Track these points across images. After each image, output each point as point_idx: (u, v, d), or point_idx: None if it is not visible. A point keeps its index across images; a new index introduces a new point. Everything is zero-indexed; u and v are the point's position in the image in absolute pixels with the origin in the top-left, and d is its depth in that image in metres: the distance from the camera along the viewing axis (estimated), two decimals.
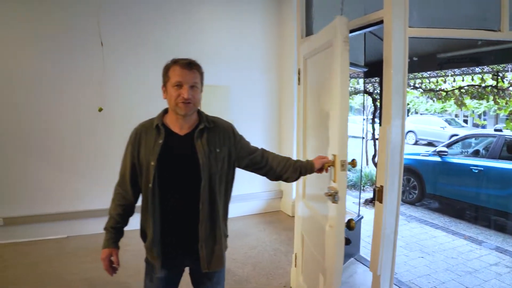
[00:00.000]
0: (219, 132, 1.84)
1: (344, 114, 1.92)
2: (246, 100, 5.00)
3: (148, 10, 4.52)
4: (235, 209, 4.91)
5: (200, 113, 1.86)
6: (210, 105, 4.68)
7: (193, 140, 1.76)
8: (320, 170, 2.02)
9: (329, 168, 2.01)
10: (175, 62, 1.75)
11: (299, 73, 2.85)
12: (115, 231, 1.88)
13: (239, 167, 1.95)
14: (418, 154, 6.84)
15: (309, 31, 2.97)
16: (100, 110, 3.58)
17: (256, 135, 5.05)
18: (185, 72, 1.71)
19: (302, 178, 2.74)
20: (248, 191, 5.05)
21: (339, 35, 1.89)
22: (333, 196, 1.93)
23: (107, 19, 4.19)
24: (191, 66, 1.73)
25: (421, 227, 5.42)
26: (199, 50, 4.63)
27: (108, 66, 3.96)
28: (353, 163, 2.13)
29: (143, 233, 1.88)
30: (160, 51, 4.50)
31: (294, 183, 4.74)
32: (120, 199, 1.87)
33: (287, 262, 3.78)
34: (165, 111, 1.86)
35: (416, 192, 6.67)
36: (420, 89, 7.62)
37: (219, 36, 4.83)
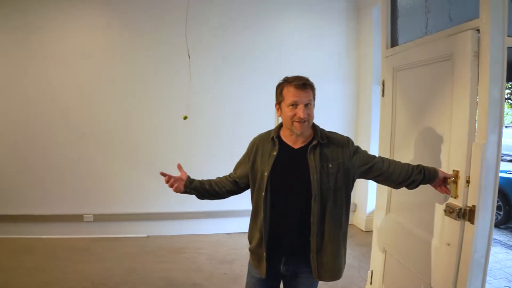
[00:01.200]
0: (332, 147, 1.83)
1: (471, 129, 1.90)
2: (321, 109, 4.94)
3: (233, 24, 4.72)
4: None
5: (315, 127, 1.89)
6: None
7: (305, 154, 1.80)
8: (439, 182, 1.92)
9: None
10: (289, 82, 1.80)
11: (383, 85, 2.79)
12: (197, 180, 2.01)
13: (359, 177, 1.91)
14: (505, 172, 6.32)
15: (394, 42, 2.90)
16: (185, 118, 3.77)
17: None
18: (300, 92, 1.75)
19: (386, 191, 2.68)
20: None
21: (469, 49, 1.87)
22: (456, 213, 1.90)
23: (194, 32, 4.42)
24: (305, 86, 1.77)
25: (507, 253, 4.98)
26: (277, 59, 4.78)
27: (194, 77, 4.16)
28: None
29: (250, 236, 1.96)
30: (243, 62, 4.72)
31: (369, 198, 4.70)
32: (223, 178, 2.04)
33: (360, 278, 3.68)
34: (282, 124, 1.92)
35: (502, 213, 6.14)
36: (509, 100, 7.05)
37: (298, 45, 4.87)
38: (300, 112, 1.74)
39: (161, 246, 4.42)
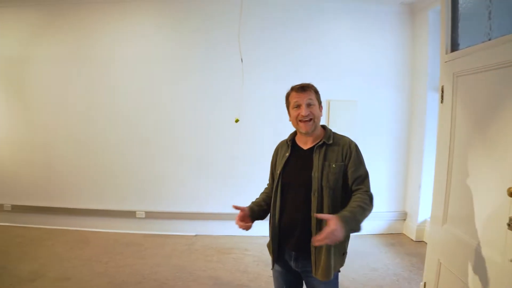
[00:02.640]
0: (337, 149, 1.92)
1: None
2: (373, 115, 4.87)
3: (286, 29, 4.74)
4: None
5: (326, 130, 2.03)
6: (337, 119, 4.72)
7: (311, 154, 1.93)
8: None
9: None
10: (292, 88, 2.01)
11: (442, 91, 2.69)
12: (254, 203, 2.14)
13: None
14: None
15: (454, 47, 2.78)
16: (237, 121, 3.83)
17: (382, 152, 4.92)
18: (300, 94, 1.95)
19: (443, 201, 2.58)
20: None
21: None
22: None
23: (247, 36, 4.51)
24: (304, 89, 1.95)
25: None
26: (330, 64, 4.76)
27: (246, 82, 4.23)
28: None
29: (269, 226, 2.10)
30: (295, 67, 4.72)
31: (421, 206, 4.54)
32: (265, 190, 2.24)
33: None
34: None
35: None
36: None
37: (349, 50, 4.80)
38: (302, 110, 1.92)
39: (209, 245, 4.52)
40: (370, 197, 1.85)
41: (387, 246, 4.56)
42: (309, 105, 1.92)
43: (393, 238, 4.86)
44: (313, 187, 1.86)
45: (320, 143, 1.94)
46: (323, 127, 2.06)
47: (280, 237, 2.00)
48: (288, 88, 2.03)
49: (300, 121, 1.94)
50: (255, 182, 4.67)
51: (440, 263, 2.63)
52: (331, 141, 1.93)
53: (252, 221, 2.04)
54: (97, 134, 4.92)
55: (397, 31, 4.85)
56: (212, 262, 4.05)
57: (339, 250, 1.94)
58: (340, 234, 1.61)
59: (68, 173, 5.06)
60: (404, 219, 5.02)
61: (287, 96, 2.04)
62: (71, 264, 3.95)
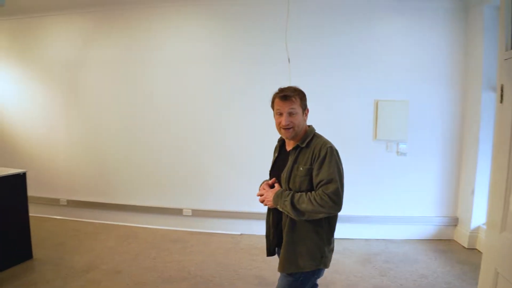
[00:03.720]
0: (308, 152, 1.98)
1: None
2: (424, 116, 4.68)
3: (333, 28, 4.66)
4: (400, 231, 4.74)
5: (306, 132, 2.07)
6: (388, 120, 4.61)
7: (288, 156, 2.07)
8: None
9: None
10: (277, 93, 2.05)
11: (501, 90, 2.54)
12: None
13: None
14: None
15: None
16: None
17: (433, 154, 4.72)
18: (282, 103, 1.99)
19: (501, 207, 2.46)
20: (417, 213, 4.72)
21: None
22: None
23: (294, 36, 4.50)
24: (286, 97, 1.98)
25: None
26: (379, 63, 4.64)
27: (294, 82, 4.23)
28: None
29: None
30: (343, 66, 4.65)
31: (474, 212, 4.33)
32: None
33: None
34: None
35: None
36: None
37: (398, 48, 4.65)
38: (283, 120, 1.98)
39: (254, 245, 4.55)
40: (323, 198, 1.84)
41: (436, 252, 4.38)
42: (291, 114, 1.98)
43: (443, 244, 4.65)
44: (282, 186, 2.03)
45: (294, 146, 2.03)
46: (309, 127, 2.11)
47: (269, 231, 2.18)
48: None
49: (281, 128, 2.02)
50: None
51: (498, 273, 2.49)
52: (304, 145, 2.00)
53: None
54: (146, 133, 5.11)
55: (450, 28, 4.64)
56: (257, 261, 4.08)
57: (312, 250, 1.97)
58: (269, 200, 2.01)
59: (120, 171, 5.30)
60: (455, 225, 4.79)
61: (272, 100, 2.08)
62: (122, 258, 4.12)
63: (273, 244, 2.16)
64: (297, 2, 4.51)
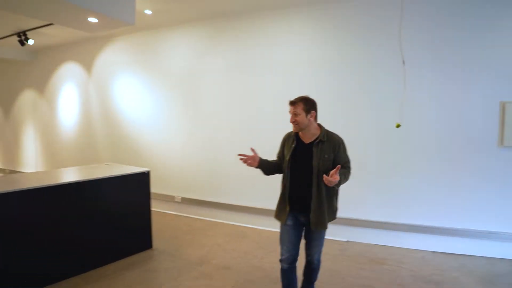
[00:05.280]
0: (330, 144, 2.72)
1: None
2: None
3: (449, 29, 4.29)
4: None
5: (321, 129, 2.79)
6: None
7: (312, 147, 2.72)
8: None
9: None
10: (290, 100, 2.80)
11: None
12: (264, 159, 2.90)
13: None
14: None
15: None
16: (398, 126, 3.62)
17: None
18: (290, 106, 2.75)
19: None
20: None
21: None
22: None
23: (409, 38, 4.20)
24: (291, 103, 2.74)
25: None
26: (504, 63, 4.11)
27: (409, 85, 3.99)
28: None
29: (279, 198, 2.93)
30: (462, 68, 4.25)
31: None
32: (274, 161, 2.99)
33: None
34: None
35: None
36: None
37: None
38: (291, 118, 2.74)
39: (361, 253, 4.37)
40: (350, 170, 2.81)
41: None
42: (295, 114, 2.70)
43: None
44: (314, 170, 2.67)
45: (317, 140, 2.71)
46: (319, 125, 2.80)
47: (290, 203, 2.80)
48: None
49: (291, 123, 2.75)
50: (411, 194, 4.35)
51: None
52: (325, 139, 2.72)
53: (258, 166, 2.83)
54: (255, 137, 5.21)
55: None
56: (365, 270, 3.91)
57: (332, 208, 2.82)
58: (335, 181, 2.50)
59: (230, 172, 5.56)
60: None
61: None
62: (231, 255, 4.29)
63: (295, 210, 2.80)
64: (410, 4, 4.23)
